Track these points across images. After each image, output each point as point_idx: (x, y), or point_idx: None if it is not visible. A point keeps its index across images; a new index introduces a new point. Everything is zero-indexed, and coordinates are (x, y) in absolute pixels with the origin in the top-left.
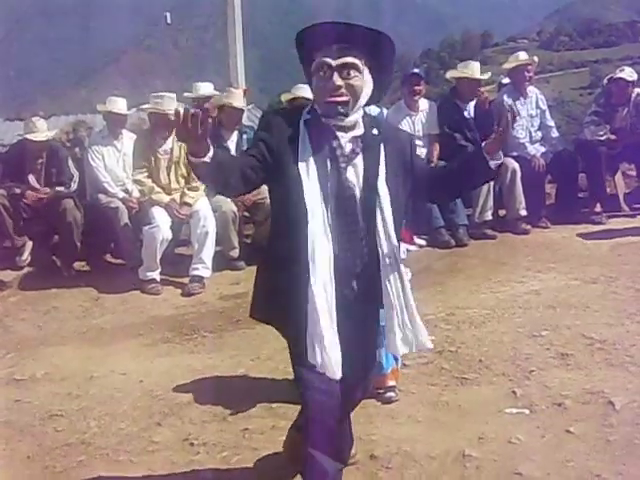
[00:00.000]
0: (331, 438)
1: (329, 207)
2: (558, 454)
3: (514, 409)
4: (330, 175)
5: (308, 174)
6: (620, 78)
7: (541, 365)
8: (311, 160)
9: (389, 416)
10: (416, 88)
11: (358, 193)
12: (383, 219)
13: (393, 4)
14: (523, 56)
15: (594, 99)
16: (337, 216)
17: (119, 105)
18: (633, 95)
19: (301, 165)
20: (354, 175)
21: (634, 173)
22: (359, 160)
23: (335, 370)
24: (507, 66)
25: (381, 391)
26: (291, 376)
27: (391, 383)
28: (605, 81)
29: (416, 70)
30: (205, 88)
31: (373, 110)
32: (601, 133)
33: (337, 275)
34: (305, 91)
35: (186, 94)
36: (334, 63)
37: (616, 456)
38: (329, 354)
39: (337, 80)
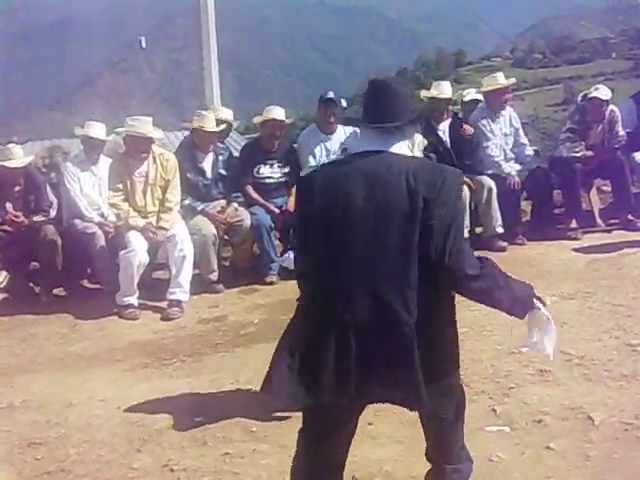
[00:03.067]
0: None
1: None
2: (538, 470)
3: (494, 427)
4: None
5: None
6: (595, 97)
7: (520, 382)
8: None
9: (369, 437)
10: None
11: None
12: None
13: (367, 23)
14: (502, 79)
15: (568, 116)
16: None
17: (97, 130)
18: (607, 112)
19: None
20: None
21: (609, 189)
22: None
23: None
24: (485, 89)
25: None
26: (271, 398)
27: None
28: (579, 98)
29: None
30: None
31: (348, 130)
32: (577, 150)
33: None
34: (276, 112)
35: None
36: None
37: (596, 472)
38: None
39: None
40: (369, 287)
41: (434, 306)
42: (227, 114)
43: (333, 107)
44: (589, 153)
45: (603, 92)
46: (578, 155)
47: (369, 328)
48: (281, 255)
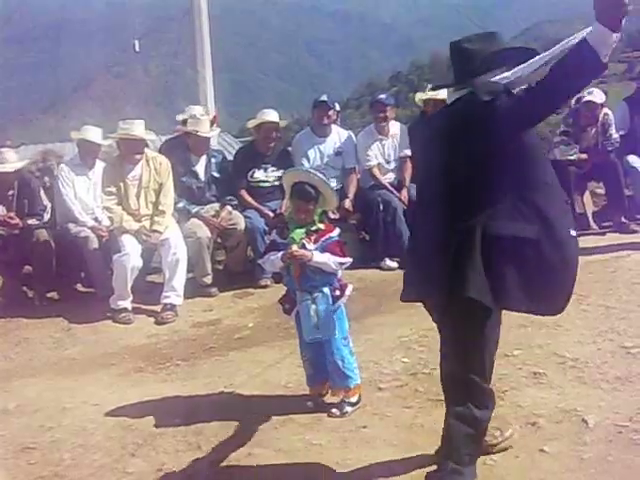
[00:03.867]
0: None
1: None
2: (533, 474)
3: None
4: None
5: None
6: (590, 101)
7: (514, 385)
8: None
9: (364, 440)
10: (381, 115)
11: None
12: None
13: (361, 27)
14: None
15: (562, 119)
16: None
17: (94, 134)
18: (601, 115)
19: None
20: None
21: (602, 192)
22: None
23: None
24: None
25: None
26: (266, 402)
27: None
28: (573, 101)
29: (381, 96)
30: (197, 109)
31: (342, 133)
32: (571, 153)
33: None
34: (270, 115)
35: (179, 117)
36: None
37: (590, 474)
38: None
39: None
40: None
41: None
42: (199, 111)
43: (327, 110)
44: (583, 156)
45: (597, 96)
46: (572, 158)
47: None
48: (262, 257)
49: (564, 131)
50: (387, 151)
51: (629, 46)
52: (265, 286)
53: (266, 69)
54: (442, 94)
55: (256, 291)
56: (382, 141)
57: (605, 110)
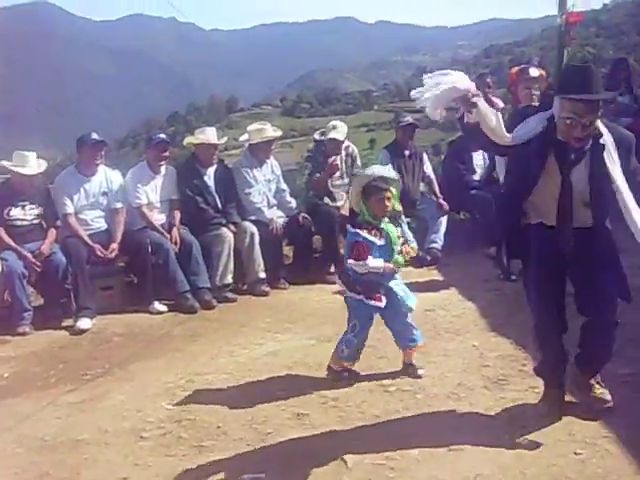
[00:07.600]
0: None
1: None
2: None
3: (251, 475)
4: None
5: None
6: (334, 138)
7: (278, 427)
8: None
9: None
10: (161, 154)
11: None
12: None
13: (139, 65)
14: (269, 132)
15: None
16: None
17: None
18: (343, 147)
19: None
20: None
21: None
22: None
23: None
24: (256, 141)
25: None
26: (19, 457)
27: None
28: (317, 136)
29: (163, 135)
30: None
31: (109, 173)
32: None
33: None
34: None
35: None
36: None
37: None
38: None
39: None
40: None
41: None
42: None
43: (100, 148)
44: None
45: (341, 132)
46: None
47: None
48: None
49: (310, 156)
50: (158, 191)
51: (396, 96)
52: (23, 333)
53: (40, 104)
54: (213, 139)
55: (13, 339)
56: (155, 180)
57: (348, 143)
